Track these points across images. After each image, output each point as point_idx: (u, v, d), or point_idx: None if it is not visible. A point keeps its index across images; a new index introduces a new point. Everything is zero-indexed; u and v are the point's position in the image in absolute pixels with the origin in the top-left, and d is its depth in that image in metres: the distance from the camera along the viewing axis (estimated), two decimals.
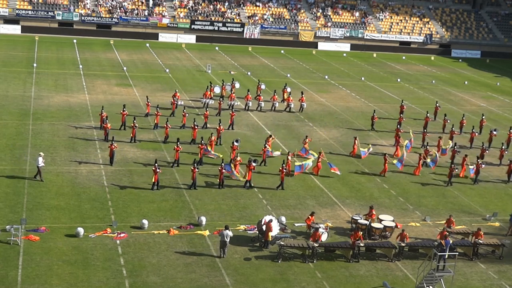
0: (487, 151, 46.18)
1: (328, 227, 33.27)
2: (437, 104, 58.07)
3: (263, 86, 60.94)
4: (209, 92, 56.42)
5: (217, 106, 53.80)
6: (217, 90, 58.72)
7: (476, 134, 50.61)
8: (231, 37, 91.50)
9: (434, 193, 40.53)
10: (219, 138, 45.58)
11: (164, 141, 45.28)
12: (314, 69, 78.21)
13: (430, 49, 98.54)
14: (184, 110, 49.67)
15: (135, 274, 27.85)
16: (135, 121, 45.36)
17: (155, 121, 48.18)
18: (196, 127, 45.53)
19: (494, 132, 50.10)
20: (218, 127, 45.95)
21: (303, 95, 57.34)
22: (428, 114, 53.61)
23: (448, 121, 53.51)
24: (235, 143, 42.48)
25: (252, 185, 38.61)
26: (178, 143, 41.10)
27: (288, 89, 59.78)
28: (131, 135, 44.85)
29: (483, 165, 42.79)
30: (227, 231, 29.77)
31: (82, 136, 45.45)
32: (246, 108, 55.63)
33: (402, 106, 56.58)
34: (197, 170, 37.29)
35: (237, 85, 60.74)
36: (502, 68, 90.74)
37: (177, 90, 56.31)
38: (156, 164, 37.03)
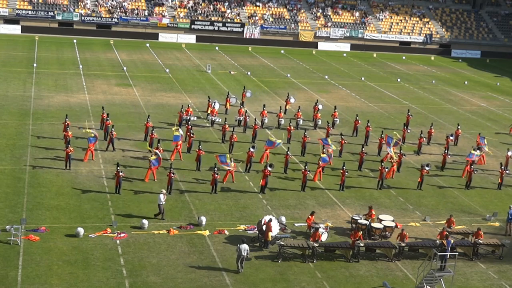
0: (449, 156, 45.37)
1: (328, 227, 33.29)
2: (409, 113, 54.20)
3: (248, 94, 58.11)
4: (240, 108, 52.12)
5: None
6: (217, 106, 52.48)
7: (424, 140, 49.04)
8: (231, 37, 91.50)
9: (434, 193, 40.53)
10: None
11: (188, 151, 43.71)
12: (314, 69, 78.19)
13: (430, 49, 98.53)
14: (190, 122, 47.66)
15: (135, 274, 27.85)
16: (153, 131, 44.12)
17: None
18: (192, 135, 43.89)
19: (451, 137, 49.09)
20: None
21: (336, 110, 53.08)
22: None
23: (409, 131, 50.83)
24: (251, 149, 41.72)
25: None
26: (200, 146, 41.14)
27: (320, 106, 55.25)
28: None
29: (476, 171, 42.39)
30: (244, 245, 28.58)
31: (82, 136, 45.41)
32: (262, 125, 50.80)
33: (352, 120, 52.82)
34: (269, 173, 37.63)
35: (248, 94, 57.74)
36: (502, 68, 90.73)
37: (189, 105, 52.12)
38: (171, 169, 36.65)
